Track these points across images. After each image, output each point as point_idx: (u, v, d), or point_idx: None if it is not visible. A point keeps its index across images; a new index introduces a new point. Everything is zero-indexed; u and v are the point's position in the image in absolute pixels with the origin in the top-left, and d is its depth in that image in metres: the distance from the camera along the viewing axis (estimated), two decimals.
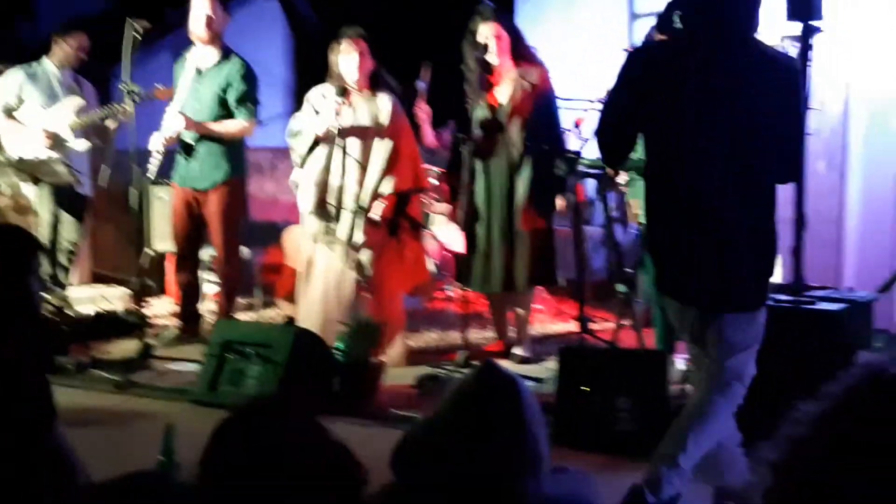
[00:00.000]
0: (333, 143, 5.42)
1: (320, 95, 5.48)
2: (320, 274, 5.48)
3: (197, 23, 5.83)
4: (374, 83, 5.50)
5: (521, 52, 5.48)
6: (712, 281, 3.23)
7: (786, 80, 3.20)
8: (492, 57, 5.40)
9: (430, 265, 6.92)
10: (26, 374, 2.89)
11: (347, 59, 5.38)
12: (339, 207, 5.42)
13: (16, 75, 6.54)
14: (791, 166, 3.43)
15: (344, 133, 5.40)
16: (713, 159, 3.15)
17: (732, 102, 3.14)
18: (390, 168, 5.43)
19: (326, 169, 5.44)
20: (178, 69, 6.07)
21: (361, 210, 5.38)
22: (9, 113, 6.52)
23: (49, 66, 6.57)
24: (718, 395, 3.30)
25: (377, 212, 5.40)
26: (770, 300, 4.47)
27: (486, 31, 5.40)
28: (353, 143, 5.42)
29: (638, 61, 3.44)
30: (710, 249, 3.20)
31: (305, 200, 5.53)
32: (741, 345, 3.29)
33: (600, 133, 3.45)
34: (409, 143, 5.57)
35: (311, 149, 5.47)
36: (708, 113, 3.15)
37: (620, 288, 4.94)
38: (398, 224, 5.46)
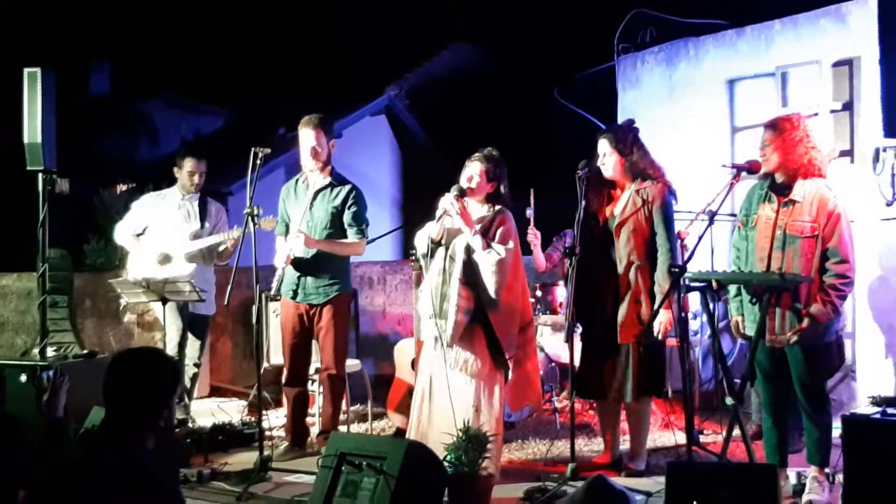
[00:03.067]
0: (447, 250, 5.56)
1: (444, 200, 5.60)
2: (437, 385, 5.56)
3: (304, 155, 6.19)
4: (490, 200, 5.65)
5: (640, 169, 5.59)
6: None
7: None
8: (605, 170, 5.59)
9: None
10: (165, 482, 3.10)
11: (465, 171, 5.63)
12: (440, 312, 5.53)
13: (145, 200, 7.14)
14: None
15: (451, 235, 5.55)
16: None
17: None
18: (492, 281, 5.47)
19: (439, 274, 5.56)
20: (287, 192, 6.40)
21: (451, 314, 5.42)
22: (136, 234, 7.08)
23: (175, 192, 7.15)
24: None
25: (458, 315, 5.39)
26: (879, 414, 4.47)
27: (601, 148, 5.59)
28: (460, 249, 5.51)
29: None
30: None
31: (423, 305, 5.68)
32: None
33: None
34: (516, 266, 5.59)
35: (433, 254, 5.59)
36: None
37: (728, 400, 4.93)
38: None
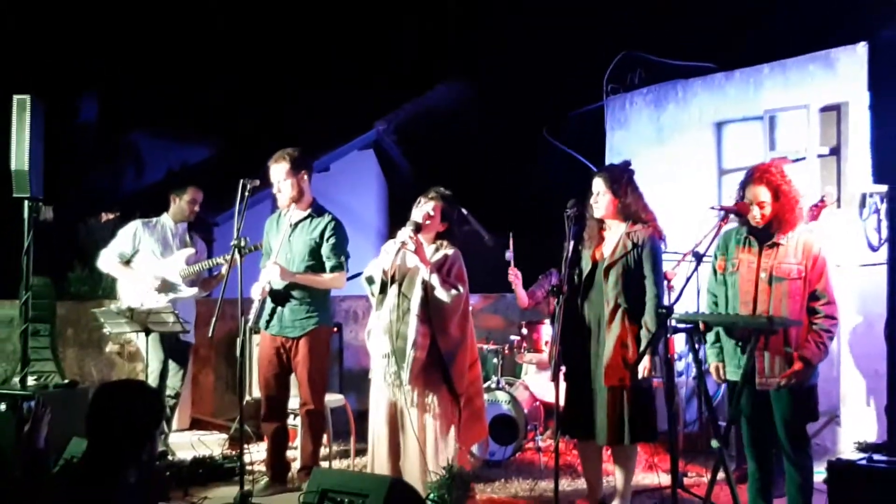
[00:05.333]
0: (400, 286, 5.59)
1: (391, 243, 5.67)
2: (406, 421, 5.55)
3: (276, 194, 6.21)
4: (439, 238, 5.72)
5: (632, 211, 5.57)
6: None
7: None
8: (597, 209, 5.59)
9: (519, 416, 6.97)
10: None
11: (419, 209, 5.67)
12: (395, 349, 5.54)
13: (134, 226, 7.11)
14: None
15: (402, 271, 5.60)
16: None
17: None
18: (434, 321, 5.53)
19: (393, 311, 5.59)
20: (270, 224, 6.40)
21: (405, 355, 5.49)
22: (124, 260, 7.04)
23: (167, 220, 7.17)
24: None
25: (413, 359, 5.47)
26: (864, 460, 4.47)
27: (596, 187, 5.60)
28: (412, 288, 5.56)
29: None
30: None
31: (375, 345, 5.68)
32: None
33: None
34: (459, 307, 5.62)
35: (384, 291, 5.63)
36: None
37: (714, 443, 4.91)
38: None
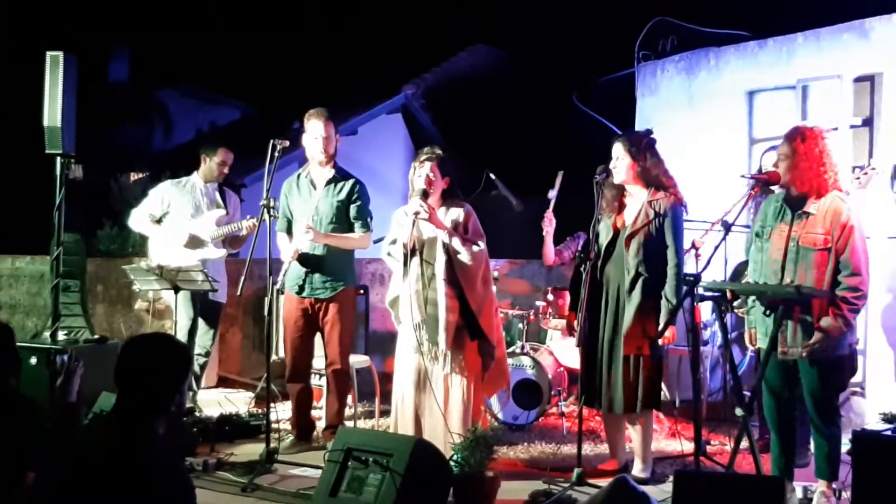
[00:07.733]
0: (421, 255, 5.62)
1: (402, 213, 5.71)
2: (430, 384, 5.60)
3: (313, 146, 6.20)
4: (446, 197, 5.71)
5: (653, 176, 5.55)
6: None
7: None
8: (617, 175, 5.56)
9: (543, 379, 7.00)
10: (177, 467, 3.12)
11: (418, 176, 5.65)
12: (426, 317, 5.58)
13: (165, 187, 7.16)
14: None
15: (420, 241, 5.62)
16: None
17: None
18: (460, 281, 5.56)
19: (418, 280, 5.62)
20: (289, 186, 6.41)
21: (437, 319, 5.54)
22: (155, 220, 7.09)
23: (197, 179, 7.18)
24: None
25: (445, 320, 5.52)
26: (890, 431, 4.46)
27: (615, 152, 5.57)
28: (434, 254, 5.59)
29: None
30: None
31: (405, 314, 5.71)
32: None
33: None
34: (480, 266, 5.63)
35: (405, 262, 5.64)
36: None
37: (738, 412, 4.92)
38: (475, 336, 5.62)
